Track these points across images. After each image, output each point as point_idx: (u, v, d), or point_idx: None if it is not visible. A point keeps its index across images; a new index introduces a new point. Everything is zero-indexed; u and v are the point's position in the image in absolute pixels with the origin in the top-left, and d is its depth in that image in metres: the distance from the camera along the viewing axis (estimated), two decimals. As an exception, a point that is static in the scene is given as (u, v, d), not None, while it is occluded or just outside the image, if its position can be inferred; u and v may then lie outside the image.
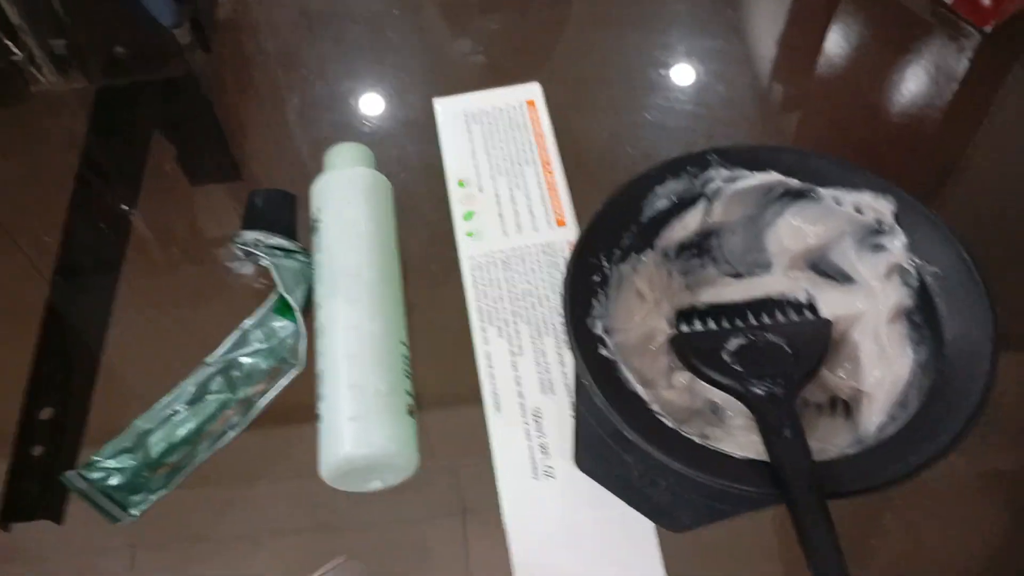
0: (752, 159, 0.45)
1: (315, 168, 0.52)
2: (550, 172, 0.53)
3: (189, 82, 0.62)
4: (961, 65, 0.60)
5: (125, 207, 0.56)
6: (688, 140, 0.58)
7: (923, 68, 0.60)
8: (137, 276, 0.53)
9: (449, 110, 0.57)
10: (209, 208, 0.58)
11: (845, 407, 0.43)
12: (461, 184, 0.53)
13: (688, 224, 0.45)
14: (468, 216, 0.52)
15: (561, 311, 0.41)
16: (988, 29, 0.59)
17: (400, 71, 0.63)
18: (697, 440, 0.38)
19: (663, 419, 0.38)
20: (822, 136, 0.59)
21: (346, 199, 0.50)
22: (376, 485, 0.43)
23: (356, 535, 0.44)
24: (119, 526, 0.43)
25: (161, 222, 0.56)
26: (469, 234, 0.51)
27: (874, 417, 0.41)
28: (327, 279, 0.47)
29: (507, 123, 0.56)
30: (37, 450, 0.46)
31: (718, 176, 0.45)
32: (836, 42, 0.62)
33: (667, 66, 0.61)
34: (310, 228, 0.50)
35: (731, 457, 0.37)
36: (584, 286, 0.42)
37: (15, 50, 0.60)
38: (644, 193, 0.45)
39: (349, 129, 0.59)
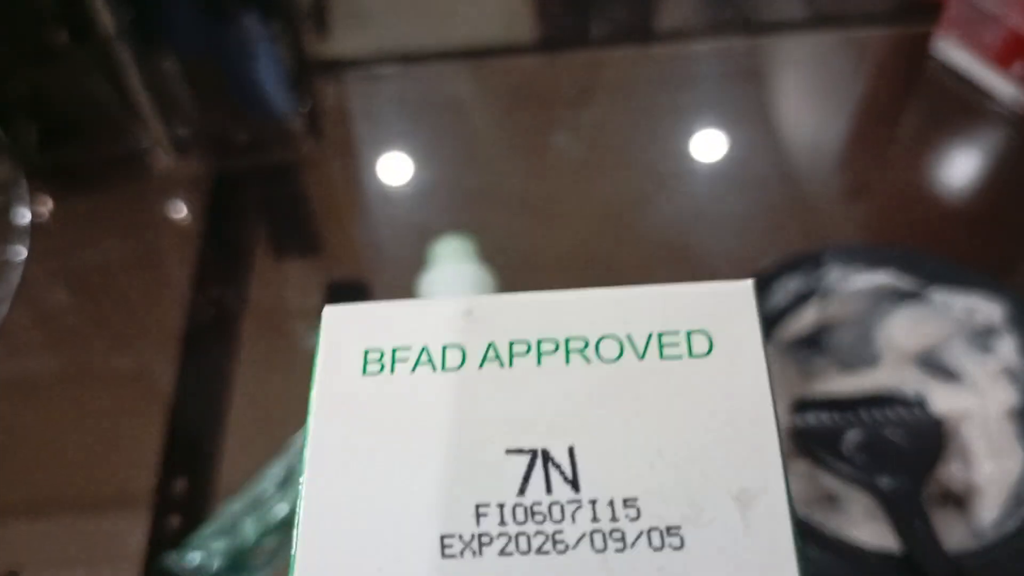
0: (867, 258, 0.47)
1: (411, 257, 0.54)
2: None
3: (294, 168, 0.65)
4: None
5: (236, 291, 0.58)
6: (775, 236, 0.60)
7: (1003, 169, 0.63)
8: (249, 350, 0.56)
9: None
10: (310, 287, 0.61)
11: (957, 501, 0.45)
12: None
13: (804, 319, 0.48)
14: None
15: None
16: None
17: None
18: (827, 531, 0.39)
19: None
20: (898, 229, 0.61)
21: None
22: None
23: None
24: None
25: (267, 297, 0.58)
26: None
27: (987, 512, 0.42)
28: None
29: None
30: (175, 521, 0.48)
31: (833, 274, 0.47)
32: (910, 136, 0.65)
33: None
34: None
35: (866, 551, 0.39)
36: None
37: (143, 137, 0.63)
38: (763, 289, 0.47)
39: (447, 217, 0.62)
